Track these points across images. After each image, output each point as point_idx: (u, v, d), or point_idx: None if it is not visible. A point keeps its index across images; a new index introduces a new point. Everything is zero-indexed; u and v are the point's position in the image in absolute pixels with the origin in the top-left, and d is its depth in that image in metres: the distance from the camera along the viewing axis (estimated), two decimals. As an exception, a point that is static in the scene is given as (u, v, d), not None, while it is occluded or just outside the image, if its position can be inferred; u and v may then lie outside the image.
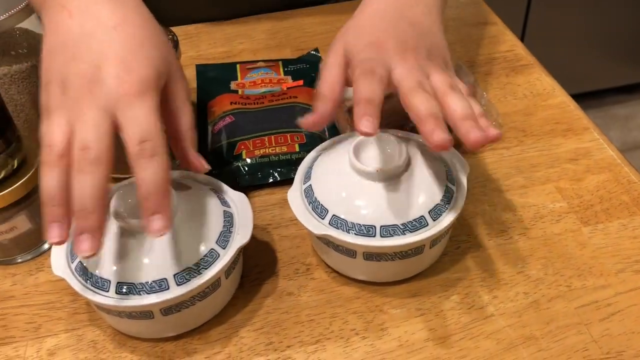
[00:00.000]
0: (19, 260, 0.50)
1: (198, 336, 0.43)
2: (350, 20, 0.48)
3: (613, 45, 1.89)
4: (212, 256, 0.41)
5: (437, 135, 0.39)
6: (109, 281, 0.40)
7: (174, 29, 0.60)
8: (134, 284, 0.39)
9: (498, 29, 0.73)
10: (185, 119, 0.44)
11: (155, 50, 0.41)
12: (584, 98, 1.94)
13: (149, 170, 0.37)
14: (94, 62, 0.39)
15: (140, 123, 0.37)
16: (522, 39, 1.69)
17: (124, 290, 0.39)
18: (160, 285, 0.39)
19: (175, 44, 0.54)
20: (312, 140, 0.55)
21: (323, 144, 0.49)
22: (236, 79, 0.64)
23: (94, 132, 0.37)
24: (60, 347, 0.44)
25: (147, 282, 0.39)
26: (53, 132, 0.38)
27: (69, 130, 0.37)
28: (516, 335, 0.42)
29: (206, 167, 0.45)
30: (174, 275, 0.40)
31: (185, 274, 0.40)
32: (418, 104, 0.40)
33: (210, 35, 0.74)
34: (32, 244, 0.50)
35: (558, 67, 0.90)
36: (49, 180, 0.37)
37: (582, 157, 0.55)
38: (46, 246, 0.51)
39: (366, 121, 0.39)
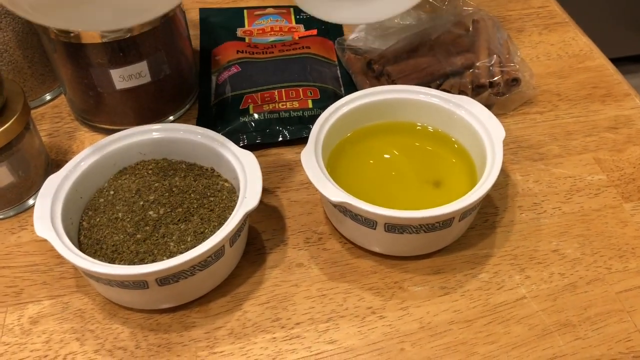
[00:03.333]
0: (1, 216, 0.45)
1: (197, 309, 0.39)
2: None
3: (630, 12, 1.82)
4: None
5: None
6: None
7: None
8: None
9: (530, -18, 0.67)
10: None
11: None
12: (623, 62, 1.87)
13: None
14: None
15: None
16: None
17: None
18: (157, 252, 0.35)
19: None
20: (327, 96, 0.50)
21: (339, 100, 0.44)
22: (243, 25, 0.58)
23: None
24: (43, 315, 0.39)
25: (141, 249, 0.35)
26: None
27: None
28: (550, 321, 0.38)
29: None
30: (172, 242, 0.35)
31: (184, 241, 0.35)
32: None
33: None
34: (14, 200, 0.45)
35: (595, 29, 0.84)
36: None
37: (623, 126, 0.50)
38: (31, 202, 0.46)
39: None
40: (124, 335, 0.38)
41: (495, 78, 0.49)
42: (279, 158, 0.48)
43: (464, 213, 0.39)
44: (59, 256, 0.42)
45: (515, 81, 0.50)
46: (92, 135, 0.51)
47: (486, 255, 0.42)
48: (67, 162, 0.41)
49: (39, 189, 0.41)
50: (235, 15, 0.60)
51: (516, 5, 0.63)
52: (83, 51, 0.45)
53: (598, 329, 0.38)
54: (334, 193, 0.38)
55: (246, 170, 0.39)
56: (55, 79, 0.53)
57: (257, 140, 0.48)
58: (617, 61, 0.55)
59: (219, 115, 0.50)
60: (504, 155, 0.48)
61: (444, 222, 0.38)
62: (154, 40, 0.46)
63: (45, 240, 0.37)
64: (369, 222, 0.38)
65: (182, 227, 0.39)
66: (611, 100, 0.53)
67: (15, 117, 0.42)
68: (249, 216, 0.39)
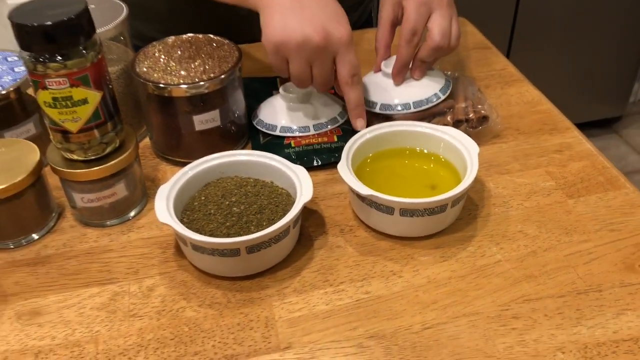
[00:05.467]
0: (108, 224, 0.61)
1: (269, 276, 0.55)
2: None
3: (588, 84, 2.07)
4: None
5: None
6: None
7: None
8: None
9: (492, 52, 0.87)
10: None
11: (344, 17, 0.60)
12: (587, 127, 2.10)
13: (356, 92, 0.62)
14: (319, 23, 0.57)
15: (351, 61, 0.60)
16: (505, 75, 1.85)
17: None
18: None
19: (240, 55, 0.66)
20: (347, 132, 0.67)
21: (362, 131, 0.62)
22: (276, 88, 0.76)
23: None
24: (156, 285, 0.54)
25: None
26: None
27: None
28: (519, 275, 0.54)
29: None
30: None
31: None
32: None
33: (254, 54, 0.87)
34: (123, 211, 0.61)
35: (562, 99, 1.03)
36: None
37: (566, 149, 0.68)
38: (132, 214, 0.62)
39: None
40: (218, 295, 0.53)
41: (470, 115, 0.67)
42: (315, 178, 0.65)
43: (454, 201, 0.55)
44: (162, 246, 0.58)
45: (485, 119, 0.68)
46: (171, 168, 0.67)
47: (471, 236, 0.58)
48: (154, 187, 0.57)
49: (139, 205, 0.58)
50: (270, 81, 0.78)
51: (483, 68, 0.83)
52: (173, 102, 0.63)
53: (552, 278, 0.54)
54: (363, 188, 0.54)
55: (300, 177, 0.56)
56: (140, 127, 0.71)
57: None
58: (579, 126, 0.73)
59: (266, 149, 0.67)
60: (480, 170, 0.65)
61: (441, 207, 0.55)
62: (224, 94, 0.64)
63: (149, 237, 0.53)
64: (388, 209, 0.55)
65: (258, 217, 0.55)
66: (556, 132, 0.71)
67: (131, 149, 0.59)
68: (302, 212, 0.55)
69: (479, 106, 0.68)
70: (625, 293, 0.52)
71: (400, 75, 0.68)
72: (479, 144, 0.66)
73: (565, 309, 0.51)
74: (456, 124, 0.67)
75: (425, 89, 0.67)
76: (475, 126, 0.68)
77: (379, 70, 0.70)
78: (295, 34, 0.57)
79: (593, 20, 1.89)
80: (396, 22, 0.68)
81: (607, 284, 0.53)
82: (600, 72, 2.04)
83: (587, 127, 2.21)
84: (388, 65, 0.69)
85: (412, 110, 0.66)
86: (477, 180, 0.64)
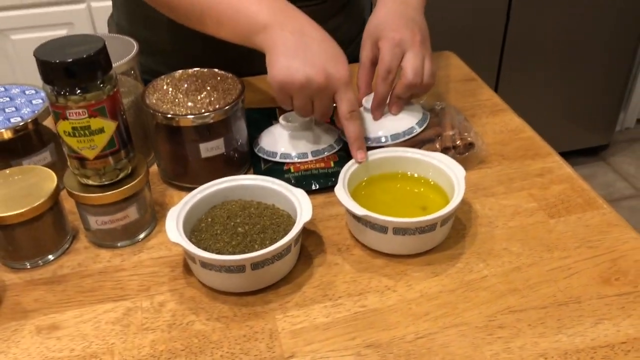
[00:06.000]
0: (119, 245, 0.65)
1: (272, 292, 0.59)
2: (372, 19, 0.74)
3: (575, 113, 2.14)
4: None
5: None
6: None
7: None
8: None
9: (478, 84, 0.92)
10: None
11: (342, 52, 0.65)
12: (573, 155, 2.16)
13: (355, 126, 0.66)
14: (320, 65, 0.63)
15: (350, 99, 0.65)
16: (493, 105, 1.92)
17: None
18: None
19: (243, 88, 0.71)
20: (343, 157, 0.72)
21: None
22: (276, 118, 0.81)
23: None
24: (167, 300, 0.58)
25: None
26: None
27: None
28: (504, 288, 0.58)
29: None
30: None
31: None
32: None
33: (253, 86, 0.92)
34: (134, 233, 0.65)
35: (547, 126, 1.08)
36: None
37: (547, 173, 0.73)
38: (141, 236, 0.66)
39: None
40: (225, 309, 0.57)
41: (457, 142, 0.72)
42: (314, 201, 0.69)
43: (443, 221, 0.60)
44: (172, 265, 0.62)
45: (471, 145, 0.73)
46: (178, 193, 0.72)
47: (460, 253, 0.62)
48: (162, 211, 0.61)
49: (149, 227, 0.62)
50: (269, 112, 0.83)
51: (469, 99, 0.88)
52: (181, 131, 0.67)
53: (535, 291, 0.58)
54: (358, 209, 0.59)
55: (300, 199, 0.61)
56: (148, 155, 0.75)
57: (298, 189, 0.70)
58: (568, 154, 0.78)
59: (268, 174, 0.71)
60: (467, 193, 0.70)
61: (431, 226, 0.59)
62: (228, 124, 0.68)
63: (159, 257, 0.57)
64: (382, 228, 0.59)
65: (261, 236, 0.59)
66: (538, 158, 0.76)
67: (142, 175, 0.63)
68: (302, 232, 0.59)
69: (465, 134, 0.73)
70: (602, 304, 0.56)
71: (378, 111, 0.73)
72: (466, 169, 0.71)
73: (547, 319, 0.55)
74: (444, 150, 0.71)
75: (402, 122, 0.72)
76: (462, 152, 0.72)
77: (360, 106, 0.75)
78: (298, 74, 0.62)
79: (579, 50, 1.96)
80: (375, 61, 0.73)
81: (586, 296, 0.57)
82: (587, 102, 2.11)
83: (575, 155, 2.27)
84: (368, 101, 0.74)
85: (390, 142, 0.70)
86: (464, 202, 0.68)
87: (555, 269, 0.60)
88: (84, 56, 0.54)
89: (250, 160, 0.75)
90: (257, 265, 0.55)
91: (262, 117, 0.82)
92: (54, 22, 1.85)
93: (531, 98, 2.03)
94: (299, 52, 0.63)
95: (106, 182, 0.61)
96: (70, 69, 0.54)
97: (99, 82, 0.56)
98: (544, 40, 1.91)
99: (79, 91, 0.55)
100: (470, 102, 0.88)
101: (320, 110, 0.67)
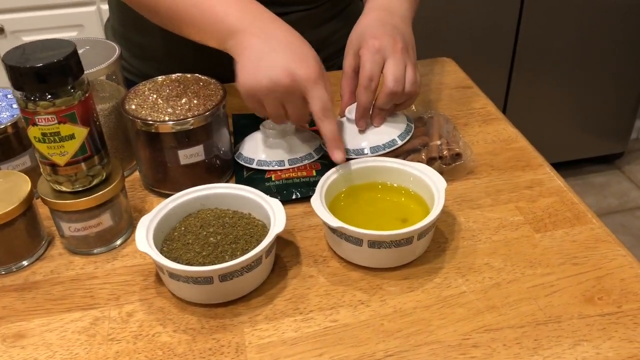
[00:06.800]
0: (95, 252, 0.64)
1: (242, 304, 0.57)
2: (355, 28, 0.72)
3: (590, 120, 2.09)
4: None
5: None
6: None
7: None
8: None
9: (473, 91, 0.90)
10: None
11: (313, 52, 0.64)
12: (564, 166, 2.13)
13: (330, 125, 0.64)
14: (284, 65, 0.61)
15: (320, 97, 0.62)
16: (504, 112, 1.89)
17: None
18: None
19: (224, 94, 0.70)
20: (325, 166, 0.71)
21: (337, 167, 0.65)
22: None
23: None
24: (136, 310, 0.57)
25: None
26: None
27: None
28: (482, 305, 0.56)
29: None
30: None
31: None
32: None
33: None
34: (109, 240, 0.64)
35: (540, 138, 1.05)
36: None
37: (537, 185, 0.71)
38: (118, 242, 0.65)
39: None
40: (193, 321, 0.56)
41: (444, 153, 0.70)
42: (293, 210, 0.68)
43: (420, 234, 0.58)
44: (144, 274, 0.61)
45: (458, 155, 0.71)
46: (158, 199, 0.71)
47: (439, 268, 0.61)
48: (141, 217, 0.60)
49: (125, 234, 0.61)
50: (258, 118, 0.82)
51: (463, 107, 0.86)
52: (160, 138, 0.66)
53: (514, 309, 0.56)
54: (333, 220, 0.57)
55: (274, 209, 0.59)
56: (130, 161, 0.74)
57: (277, 198, 0.68)
58: (558, 165, 0.75)
59: (249, 183, 0.70)
60: (452, 205, 0.68)
61: (407, 240, 0.57)
62: (208, 131, 0.67)
63: (132, 265, 0.56)
64: (357, 240, 0.58)
65: (233, 246, 0.58)
66: (529, 169, 0.74)
67: (116, 181, 0.62)
68: (276, 243, 0.58)
69: (453, 144, 0.71)
70: (583, 324, 0.54)
71: (362, 121, 0.70)
72: (453, 180, 0.69)
73: (523, 339, 0.53)
74: (430, 161, 0.70)
75: (383, 134, 0.70)
76: (449, 163, 0.70)
77: (343, 115, 0.73)
78: (264, 79, 0.61)
79: (593, 56, 1.93)
80: (357, 70, 0.70)
81: (566, 316, 0.55)
82: (601, 109, 2.07)
83: (589, 163, 2.23)
84: (351, 112, 0.71)
85: (370, 155, 0.68)
86: (448, 215, 0.66)
87: (536, 286, 0.58)
88: (54, 61, 0.54)
89: (234, 167, 0.74)
90: (225, 277, 0.54)
91: (250, 122, 0.81)
92: (64, 24, 1.86)
93: (543, 105, 1.99)
94: (264, 55, 0.62)
95: (79, 189, 0.60)
96: (39, 74, 0.54)
97: (69, 88, 0.55)
98: (556, 45, 1.88)
99: (49, 96, 0.55)
100: (463, 110, 0.86)
101: (294, 115, 0.65)
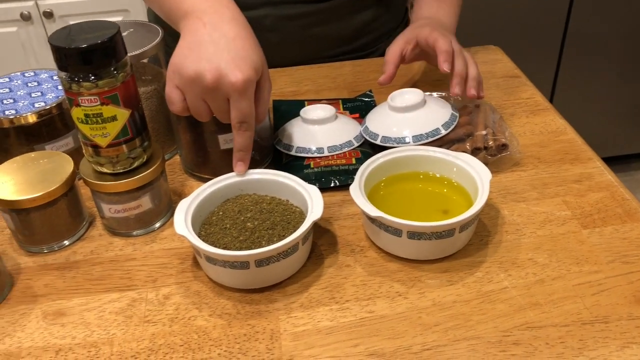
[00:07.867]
0: (134, 234, 0.64)
1: (278, 290, 0.57)
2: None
3: (637, 114, 2.01)
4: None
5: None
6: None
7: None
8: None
9: (521, 81, 0.87)
10: (262, 106, 0.63)
11: (256, 57, 0.60)
12: (612, 162, 2.06)
13: (243, 138, 0.61)
14: (216, 62, 0.58)
15: (241, 109, 0.59)
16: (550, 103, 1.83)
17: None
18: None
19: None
20: (365, 155, 0.69)
21: (377, 154, 0.64)
22: (304, 111, 0.79)
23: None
24: (172, 293, 0.57)
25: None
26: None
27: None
28: (525, 302, 0.54)
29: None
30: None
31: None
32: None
33: (282, 79, 0.90)
34: (148, 222, 0.64)
35: (586, 131, 1.01)
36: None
37: (586, 179, 0.68)
38: (157, 225, 0.65)
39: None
40: (229, 306, 0.56)
41: (489, 143, 0.68)
42: (332, 198, 0.67)
43: (462, 226, 0.56)
44: (181, 257, 0.61)
45: (504, 147, 0.69)
46: (198, 184, 0.71)
47: (481, 262, 0.59)
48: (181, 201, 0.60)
49: (164, 217, 0.61)
50: (299, 105, 0.81)
51: (510, 97, 0.84)
52: (200, 122, 0.66)
53: (558, 307, 0.54)
54: (372, 209, 0.56)
55: (312, 196, 0.58)
56: (171, 144, 0.75)
57: (316, 186, 0.67)
58: (605, 160, 0.72)
59: (288, 169, 0.69)
60: (496, 197, 0.66)
61: (448, 232, 0.56)
62: (248, 115, 0.67)
63: (170, 248, 0.55)
64: (396, 231, 0.56)
65: (270, 232, 0.57)
66: (578, 163, 0.71)
67: (157, 164, 0.62)
68: (313, 230, 0.57)
69: (499, 134, 0.69)
70: (633, 326, 0.52)
71: (459, 87, 0.72)
72: (498, 172, 0.67)
73: (568, 338, 0.51)
74: (475, 151, 0.68)
75: (427, 124, 0.68)
76: (494, 154, 0.68)
77: (386, 81, 0.76)
78: (191, 68, 0.58)
79: (644, 49, 1.85)
80: (404, 54, 0.77)
81: (614, 316, 0.52)
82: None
83: (636, 158, 2.15)
84: (394, 99, 0.70)
85: (412, 144, 0.67)
86: (491, 207, 0.64)
87: (583, 283, 0.56)
88: (98, 42, 0.54)
89: (273, 153, 0.73)
90: (261, 262, 0.54)
91: (291, 108, 0.80)
92: (110, 8, 1.89)
93: (592, 96, 1.93)
94: (203, 45, 0.59)
95: (120, 170, 0.60)
96: (83, 55, 0.54)
97: (112, 69, 0.56)
98: (607, 35, 1.81)
99: (92, 77, 0.55)
100: (510, 100, 0.83)
101: (217, 112, 0.62)
